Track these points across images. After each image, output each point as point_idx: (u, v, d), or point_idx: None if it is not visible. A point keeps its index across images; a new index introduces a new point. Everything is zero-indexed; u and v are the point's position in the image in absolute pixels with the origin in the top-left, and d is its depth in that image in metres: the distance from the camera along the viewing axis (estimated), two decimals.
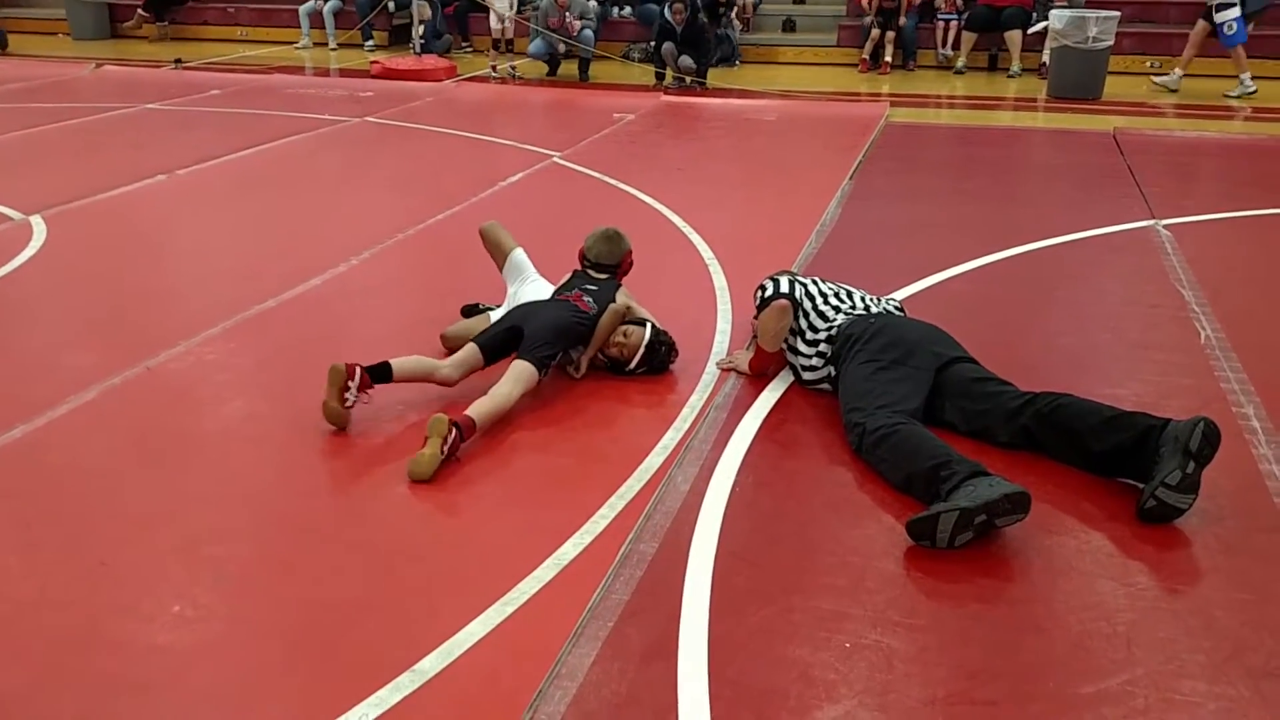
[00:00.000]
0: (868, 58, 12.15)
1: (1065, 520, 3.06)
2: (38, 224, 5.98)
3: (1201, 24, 10.17)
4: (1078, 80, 10.24)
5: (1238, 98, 10.11)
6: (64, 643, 2.57)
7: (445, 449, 3.27)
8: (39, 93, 10.70)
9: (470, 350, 3.78)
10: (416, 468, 3.24)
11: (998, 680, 2.42)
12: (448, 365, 3.72)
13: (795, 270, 4.66)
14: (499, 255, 4.34)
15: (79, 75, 11.97)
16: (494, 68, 11.78)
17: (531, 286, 4.24)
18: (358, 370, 3.50)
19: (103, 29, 14.98)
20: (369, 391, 3.53)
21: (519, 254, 4.32)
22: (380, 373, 3.56)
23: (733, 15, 12.57)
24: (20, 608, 2.70)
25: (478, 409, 3.48)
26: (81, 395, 3.84)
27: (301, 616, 2.67)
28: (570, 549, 2.92)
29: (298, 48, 13.94)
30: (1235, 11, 9.77)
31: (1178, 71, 10.54)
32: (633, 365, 4.00)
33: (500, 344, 3.81)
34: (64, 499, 3.23)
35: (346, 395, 3.47)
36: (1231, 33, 9.86)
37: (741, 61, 12.66)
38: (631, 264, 4.34)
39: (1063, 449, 3.30)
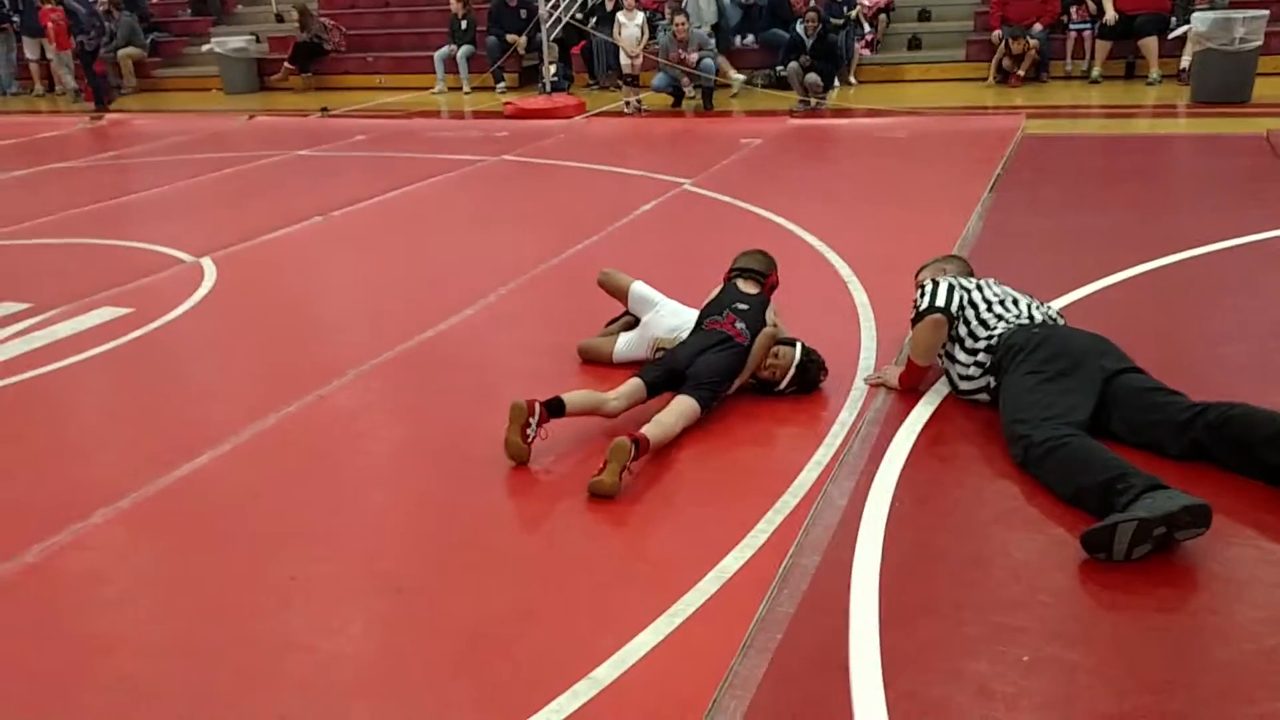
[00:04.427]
0: (1021, 73, 11.84)
1: (1244, 531, 2.95)
2: (208, 265, 6.38)
3: None
4: (1224, 83, 9.85)
5: None
6: (261, 650, 2.74)
7: (624, 474, 3.38)
8: (199, 144, 11.41)
9: (635, 385, 3.88)
10: (600, 489, 3.36)
11: (1185, 693, 2.35)
12: (614, 398, 3.82)
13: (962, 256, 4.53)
14: (620, 294, 4.55)
15: (233, 127, 12.72)
16: (627, 103, 12.02)
17: (663, 313, 4.40)
18: (537, 406, 3.61)
19: (252, 83, 15.88)
20: (546, 426, 3.63)
21: (638, 286, 4.51)
22: (555, 407, 3.67)
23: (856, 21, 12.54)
24: (220, 616, 2.89)
25: (650, 432, 3.56)
26: (261, 422, 4.08)
27: (479, 627, 2.78)
28: (732, 562, 2.96)
29: (433, 93, 14.48)
30: None
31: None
32: (783, 385, 4.03)
33: (664, 382, 3.92)
34: (251, 519, 3.43)
35: (527, 430, 3.57)
36: None
37: (859, 81, 12.61)
38: (778, 282, 4.39)
39: (1236, 461, 3.18)
